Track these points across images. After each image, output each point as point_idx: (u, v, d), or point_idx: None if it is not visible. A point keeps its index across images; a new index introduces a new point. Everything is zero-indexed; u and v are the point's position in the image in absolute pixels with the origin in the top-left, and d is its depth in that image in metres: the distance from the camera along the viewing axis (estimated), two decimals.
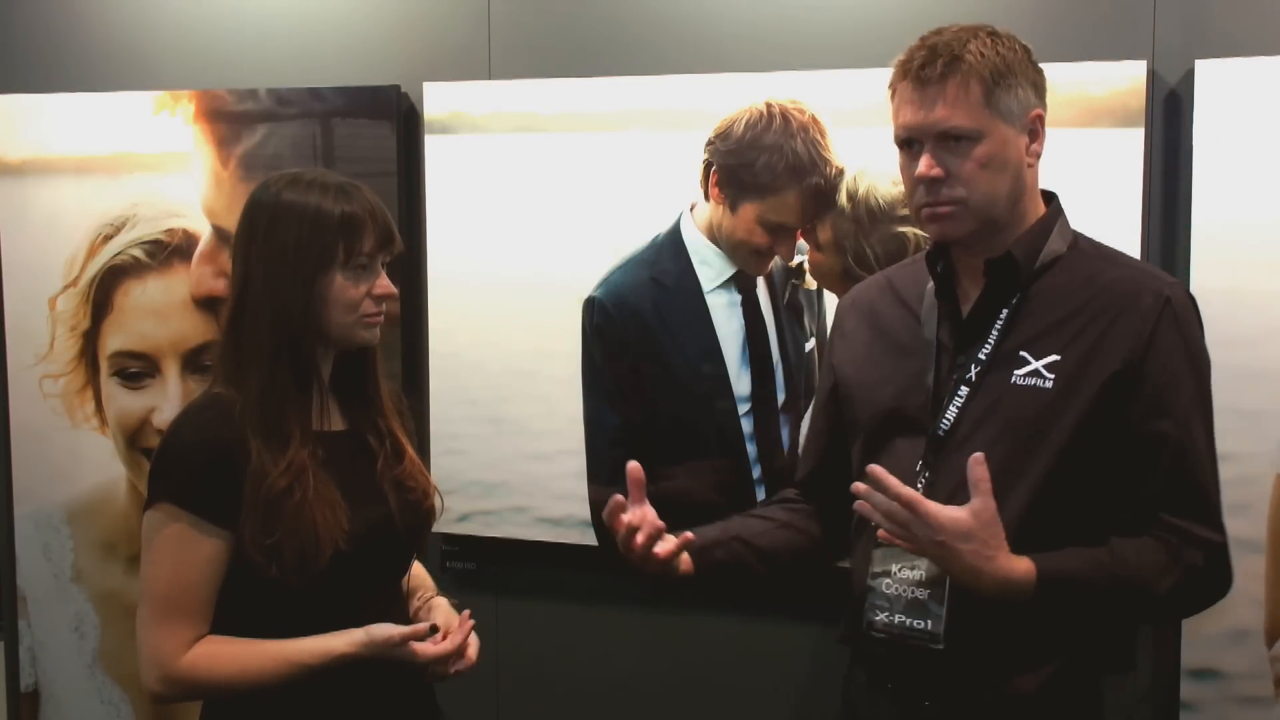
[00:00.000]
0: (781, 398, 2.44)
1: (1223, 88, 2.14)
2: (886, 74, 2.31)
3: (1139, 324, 1.60)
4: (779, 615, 2.52)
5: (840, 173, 2.34)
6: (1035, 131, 1.65)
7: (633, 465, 1.73)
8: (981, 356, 1.65)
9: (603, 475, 2.53)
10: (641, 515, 1.71)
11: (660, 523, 1.72)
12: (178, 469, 1.66)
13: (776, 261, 2.43)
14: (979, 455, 1.54)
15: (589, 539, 2.56)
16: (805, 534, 1.90)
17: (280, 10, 2.72)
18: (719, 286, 2.44)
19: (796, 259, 2.42)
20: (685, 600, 2.58)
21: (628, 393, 2.50)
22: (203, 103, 2.71)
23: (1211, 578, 1.64)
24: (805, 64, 2.37)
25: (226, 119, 2.70)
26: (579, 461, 2.55)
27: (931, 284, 1.73)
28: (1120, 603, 1.61)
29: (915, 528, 1.53)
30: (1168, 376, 1.60)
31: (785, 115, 2.34)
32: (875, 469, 1.55)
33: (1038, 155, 1.67)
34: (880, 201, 2.31)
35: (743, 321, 2.44)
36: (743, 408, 2.44)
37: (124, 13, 2.82)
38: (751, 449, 2.45)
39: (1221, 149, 2.15)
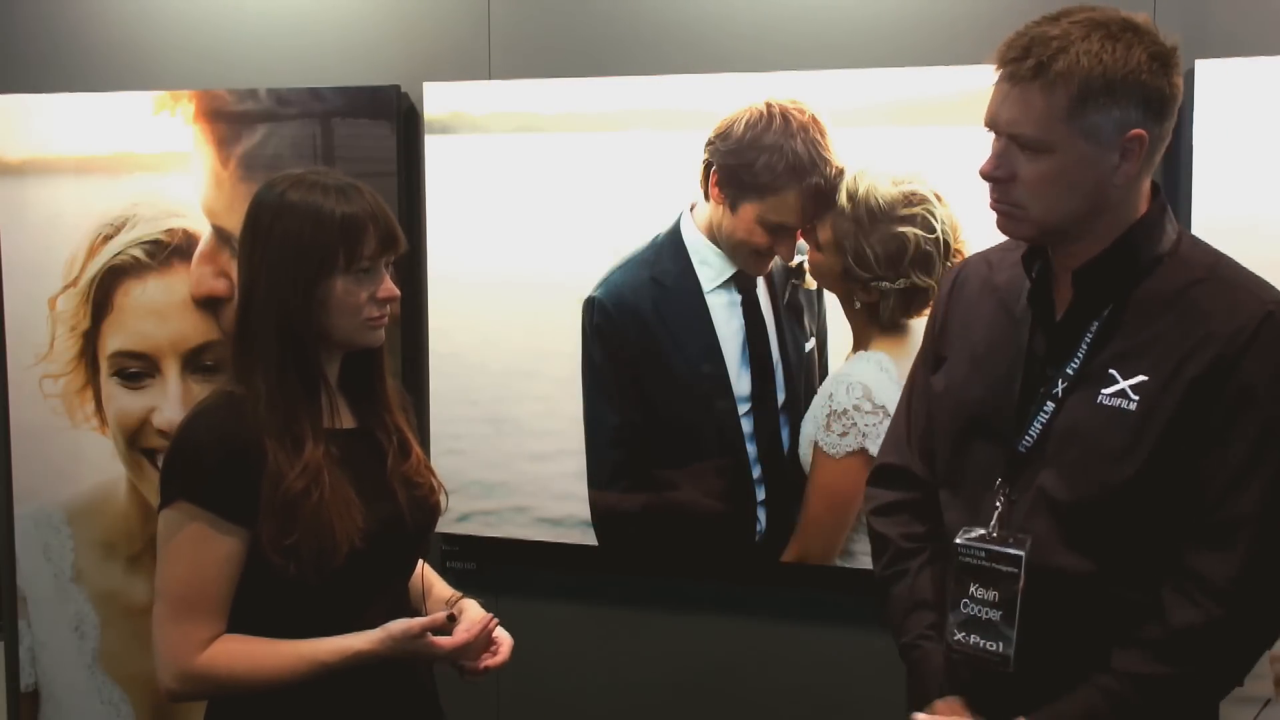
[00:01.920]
0: (781, 398, 2.44)
1: (1223, 88, 2.14)
2: (886, 74, 2.31)
3: (1227, 340, 1.48)
4: (779, 615, 2.52)
5: (840, 173, 2.33)
6: (1131, 151, 1.49)
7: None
8: (1070, 371, 1.56)
9: (602, 475, 2.53)
10: None
11: None
12: (194, 467, 1.66)
13: (776, 261, 2.43)
14: None
15: (589, 539, 2.56)
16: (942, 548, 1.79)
17: (280, 10, 2.72)
18: (719, 286, 2.44)
19: (796, 259, 2.42)
20: (685, 600, 2.58)
21: (628, 392, 2.50)
22: (203, 103, 2.71)
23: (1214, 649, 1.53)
24: (805, 64, 2.37)
25: (226, 119, 2.70)
26: (579, 461, 2.55)
27: (1028, 285, 1.65)
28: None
29: None
30: (1247, 399, 1.47)
31: (785, 115, 2.34)
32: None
33: (1129, 176, 1.51)
34: (880, 201, 2.30)
35: (743, 321, 2.44)
36: (743, 408, 2.44)
37: (124, 13, 2.82)
38: (752, 449, 2.44)
39: (1221, 149, 2.15)
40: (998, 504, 1.60)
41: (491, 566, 2.66)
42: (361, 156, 2.62)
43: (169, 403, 2.77)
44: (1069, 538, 1.55)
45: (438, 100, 2.58)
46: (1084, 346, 1.56)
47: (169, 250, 2.76)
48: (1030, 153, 1.50)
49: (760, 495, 2.45)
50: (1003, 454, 1.61)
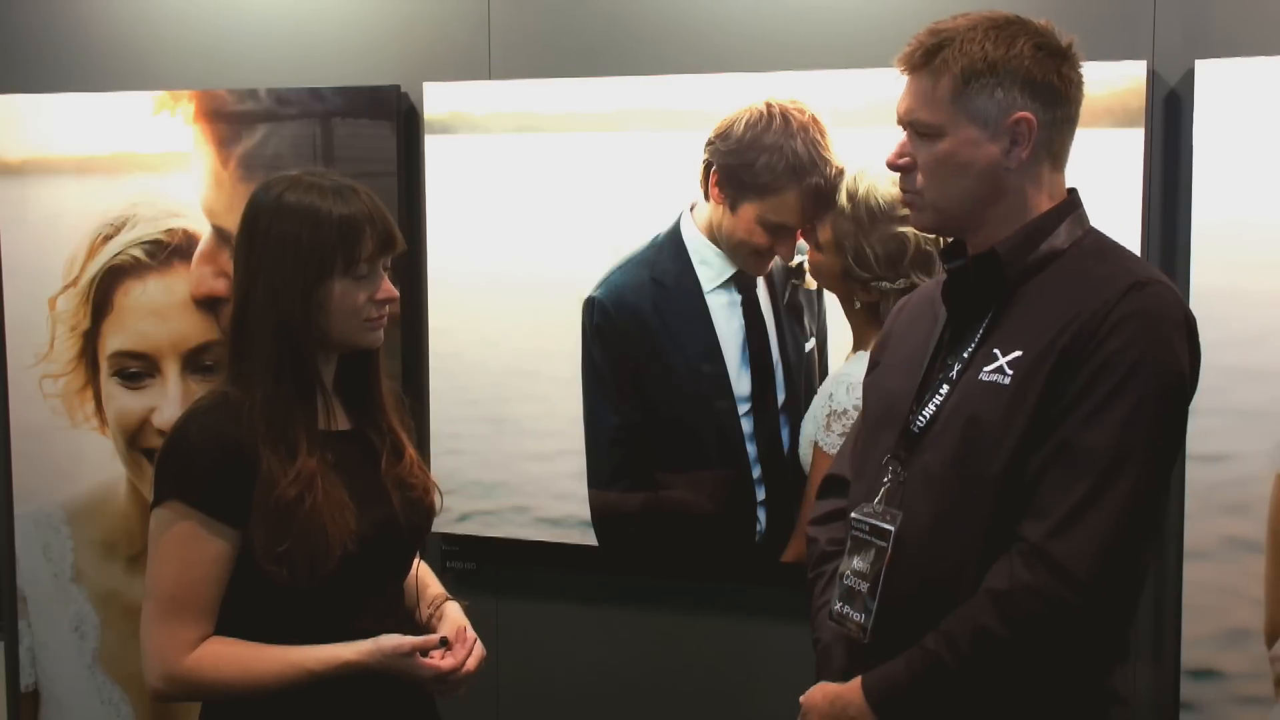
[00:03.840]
0: (781, 398, 2.44)
1: (1223, 88, 2.14)
2: (886, 74, 2.31)
3: (1094, 310, 1.51)
4: (779, 614, 2.52)
5: (840, 173, 2.34)
6: (1021, 135, 1.56)
7: None
8: (965, 355, 1.62)
9: (602, 476, 2.53)
10: None
11: None
12: (187, 467, 1.65)
13: (776, 261, 2.43)
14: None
15: (589, 539, 2.56)
16: None
17: (280, 10, 2.72)
18: (719, 286, 2.44)
19: (796, 259, 2.42)
20: (685, 600, 2.58)
21: (628, 393, 2.50)
22: (203, 103, 2.71)
23: (1056, 623, 1.49)
24: (805, 64, 2.37)
25: (226, 119, 2.70)
26: (579, 461, 2.55)
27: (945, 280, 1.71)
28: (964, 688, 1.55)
29: None
30: (1102, 372, 1.49)
31: (785, 115, 2.34)
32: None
33: (1021, 161, 1.57)
34: (880, 201, 2.31)
35: (743, 321, 2.44)
36: (743, 408, 2.44)
37: (124, 13, 2.82)
38: (751, 449, 2.45)
39: (1221, 149, 2.15)
40: (885, 480, 1.65)
41: (491, 566, 2.66)
42: (361, 157, 2.62)
43: (169, 403, 2.77)
44: (947, 514, 1.58)
45: (438, 100, 2.58)
46: (980, 332, 1.62)
47: (169, 250, 2.76)
48: (925, 139, 1.59)
49: (760, 495, 2.45)
50: (899, 435, 1.66)
